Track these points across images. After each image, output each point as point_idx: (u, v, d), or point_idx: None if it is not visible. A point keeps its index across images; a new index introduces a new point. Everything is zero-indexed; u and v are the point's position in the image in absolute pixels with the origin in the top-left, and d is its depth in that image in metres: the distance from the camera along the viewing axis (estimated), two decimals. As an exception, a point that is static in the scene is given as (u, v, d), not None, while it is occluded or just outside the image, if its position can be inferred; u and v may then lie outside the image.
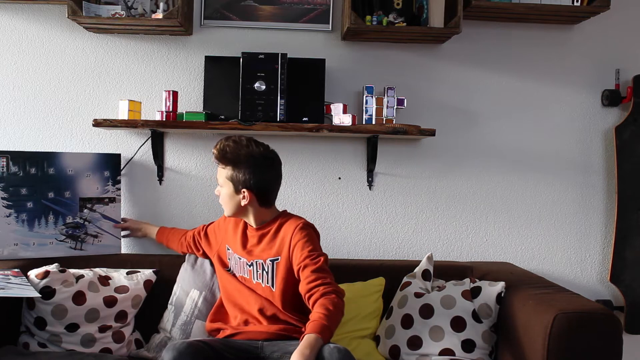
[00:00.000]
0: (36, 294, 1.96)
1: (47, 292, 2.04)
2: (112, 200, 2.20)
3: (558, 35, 2.63)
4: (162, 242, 2.34)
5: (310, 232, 1.88)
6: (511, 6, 2.40)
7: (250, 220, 1.96)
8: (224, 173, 1.90)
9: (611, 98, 2.60)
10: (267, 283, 1.88)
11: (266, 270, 1.88)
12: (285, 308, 1.86)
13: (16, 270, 2.08)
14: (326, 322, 1.62)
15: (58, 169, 2.10)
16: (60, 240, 2.11)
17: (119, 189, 2.22)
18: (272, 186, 1.94)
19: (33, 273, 2.08)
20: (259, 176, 1.88)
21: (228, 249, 2.02)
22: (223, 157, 1.88)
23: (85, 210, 2.16)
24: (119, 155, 2.23)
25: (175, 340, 2.04)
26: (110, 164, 2.20)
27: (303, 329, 1.69)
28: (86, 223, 2.16)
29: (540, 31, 2.62)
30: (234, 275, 1.99)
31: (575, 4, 2.41)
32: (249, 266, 1.92)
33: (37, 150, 2.13)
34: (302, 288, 1.77)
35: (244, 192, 1.87)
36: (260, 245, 1.92)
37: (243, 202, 1.89)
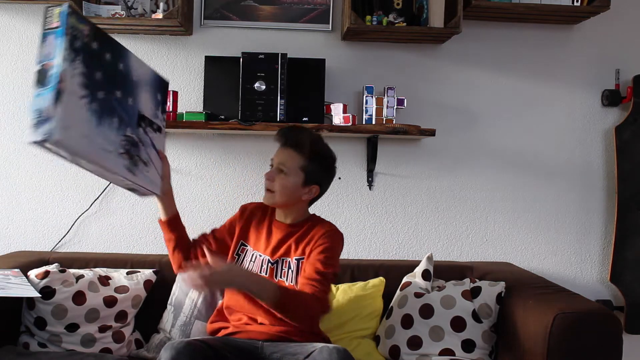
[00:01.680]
0: (36, 294, 1.96)
1: (47, 292, 2.04)
2: (159, 129, 1.76)
3: (558, 35, 2.63)
4: (167, 231, 1.88)
5: (336, 241, 1.82)
6: (511, 6, 2.40)
7: (290, 215, 1.88)
8: (298, 161, 1.79)
9: (611, 98, 2.60)
10: (292, 282, 1.81)
11: (292, 269, 1.83)
12: None
13: (16, 270, 2.08)
14: (290, 296, 1.62)
15: (127, 66, 1.61)
16: (120, 153, 1.58)
17: (164, 120, 1.80)
18: (327, 189, 1.92)
19: (33, 273, 2.08)
20: (329, 176, 1.87)
21: (244, 245, 1.91)
22: (309, 148, 1.79)
23: (140, 129, 1.67)
24: (167, 83, 1.81)
25: (174, 340, 2.04)
26: (161, 88, 1.78)
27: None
28: (140, 145, 1.67)
29: (540, 31, 2.62)
30: None
31: (575, 4, 2.41)
32: (272, 264, 1.84)
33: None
34: (300, 279, 1.74)
35: (313, 187, 1.82)
36: (288, 242, 1.85)
37: (305, 197, 1.83)
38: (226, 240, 1.95)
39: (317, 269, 1.73)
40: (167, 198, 1.84)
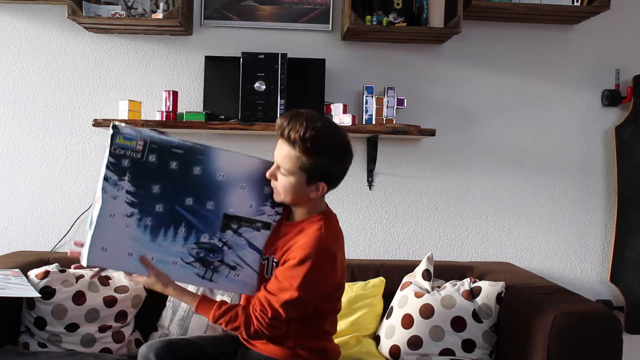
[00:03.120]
0: (36, 294, 1.96)
1: (47, 292, 2.04)
2: (266, 226, 1.67)
3: (558, 35, 2.63)
4: None
5: (314, 260, 1.55)
6: (511, 6, 2.40)
7: (299, 212, 1.68)
8: (298, 162, 1.55)
9: (611, 98, 2.60)
10: None
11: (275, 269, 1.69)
12: None
13: (16, 270, 2.08)
14: (218, 314, 1.59)
15: (206, 169, 1.57)
16: (187, 262, 1.58)
17: (279, 214, 1.69)
18: (343, 177, 1.66)
19: (33, 273, 2.08)
20: (340, 168, 1.62)
21: None
22: (309, 147, 1.53)
23: (229, 232, 1.61)
24: None
25: (172, 337, 2.06)
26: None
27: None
28: (225, 248, 1.62)
29: (540, 31, 2.62)
30: None
31: (575, 4, 2.42)
32: (264, 260, 1.69)
33: (183, 141, 1.51)
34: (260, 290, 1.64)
35: (319, 184, 1.59)
36: (279, 241, 1.67)
37: (314, 194, 1.60)
38: None
39: (266, 295, 1.58)
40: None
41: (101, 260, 1.51)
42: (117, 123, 1.49)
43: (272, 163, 1.65)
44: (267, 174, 1.64)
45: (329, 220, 1.68)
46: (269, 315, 1.56)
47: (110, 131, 1.47)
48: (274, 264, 1.65)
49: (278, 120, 1.60)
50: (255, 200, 1.65)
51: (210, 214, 1.59)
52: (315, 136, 1.53)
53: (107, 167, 1.47)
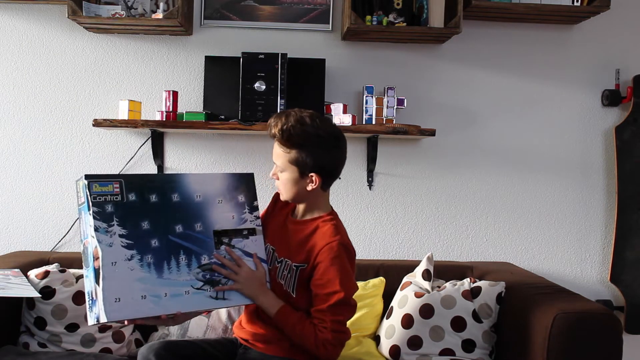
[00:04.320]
0: (36, 294, 1.96)
1: (47, 292, 2.04)
2: (252, 232, 1.72)
3: (558, 35, 2.63)
4: None
5: (341, 258, 1.61)
6: (511, 6, 2.40)
7: (302, 210, 1.74)
8: (286, 157, 1.64)
9: (611, 98, 2.60)
10: (288, 288, 1.69)
11: (291, 273, 1.69)
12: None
13: (16, 270, 2.08)
14: (293, 325, 1.58)
15: (184, 194, 1.61)
16: (198, 288, 1.59)
17: (258, 218, 1.73)
18: (339, 167, 1.71)
19: (33, 273, 2.08)
20: (328, 157, 1.66)
21: (272, 248, 1.79)
22: (287, 140, 1.61)
23: (222, 247, 1.66)
24: (252, 174, 1.76)
25: (171, 337, 2.06)
26: (243, 186, 1.72)
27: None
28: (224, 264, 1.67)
29: (540, 31, 2.62)
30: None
31: (575, 4, 2.42)
32: (278, 262, 1.71)
33: (153, 173, 1.57)
34: (312, 309, 1.65)
35: (312, 176, 1.64)
36: (292, 241, 1.71)
37: (310, 187, 1.65)
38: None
39: (317, 309, 1.61)
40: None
41: (119, 312, 1.46)
42: (86, 174, 1.49)
43: (237, 175, 1.72)
44: (270, 175, 1.71)
45: (338, 220, 1.73)
46: (330, 324, 1.58)
47: (85, 182, 1.47)
48: (294, 268, 1.66)
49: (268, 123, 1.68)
50: (235, 211, 1.69)
51: (202, 234, 1.63)
52: (290, 129, 1.61)
53: (94, 217, 1.47)
